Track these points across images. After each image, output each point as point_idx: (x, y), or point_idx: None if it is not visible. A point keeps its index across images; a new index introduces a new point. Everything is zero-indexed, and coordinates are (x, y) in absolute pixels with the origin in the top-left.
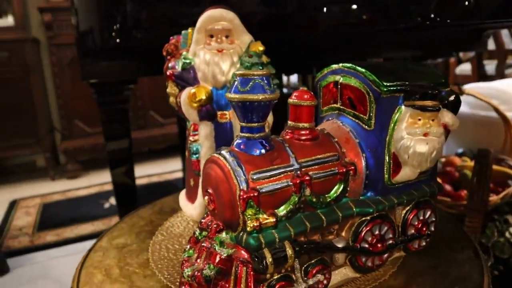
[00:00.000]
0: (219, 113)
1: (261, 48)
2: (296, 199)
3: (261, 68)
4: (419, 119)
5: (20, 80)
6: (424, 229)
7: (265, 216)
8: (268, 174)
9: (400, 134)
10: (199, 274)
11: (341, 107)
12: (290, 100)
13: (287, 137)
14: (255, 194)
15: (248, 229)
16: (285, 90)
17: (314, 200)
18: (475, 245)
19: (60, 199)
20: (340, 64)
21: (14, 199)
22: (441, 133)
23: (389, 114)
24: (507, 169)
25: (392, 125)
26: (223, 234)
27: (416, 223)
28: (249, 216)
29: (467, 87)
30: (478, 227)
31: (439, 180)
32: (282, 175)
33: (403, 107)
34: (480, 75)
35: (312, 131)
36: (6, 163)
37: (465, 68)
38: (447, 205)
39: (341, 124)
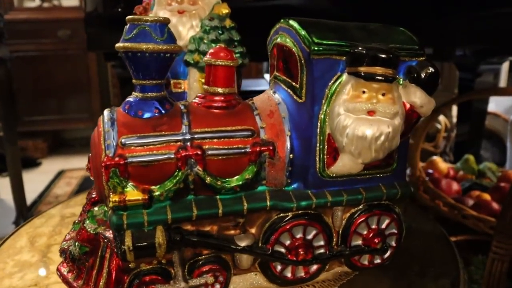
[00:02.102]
0: (172, 81)
1: (225, 10)
2: (181, 176)
3: (220, 33)
4: (363, 92)
5: (79, 57)
6: (377, 241)
7: (134, 191)
8: (144, 141)
9: (337, 110)
10: (67, 249)
11: (277, 73)
12: (205, 59)
13: (196, 102)
14: (121, 162)
15: (110, 204)
16: None
17: (208, 181)
18: (459, 274)
19: None
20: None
21: (62, 169)
22: (394, 113)
23: (325, 83)
24: None
25: (328, 97)
26: (96, 208)
27: (365, 232)
28: (112, 188)
29: None
30: (507, 255)
31: (487, 196)
32: (163, 145)
33: (344, 74)
34: None
35: (228, 98)
36: (63, 135)
37: None
38: (490, 226)
39: (272, 94)
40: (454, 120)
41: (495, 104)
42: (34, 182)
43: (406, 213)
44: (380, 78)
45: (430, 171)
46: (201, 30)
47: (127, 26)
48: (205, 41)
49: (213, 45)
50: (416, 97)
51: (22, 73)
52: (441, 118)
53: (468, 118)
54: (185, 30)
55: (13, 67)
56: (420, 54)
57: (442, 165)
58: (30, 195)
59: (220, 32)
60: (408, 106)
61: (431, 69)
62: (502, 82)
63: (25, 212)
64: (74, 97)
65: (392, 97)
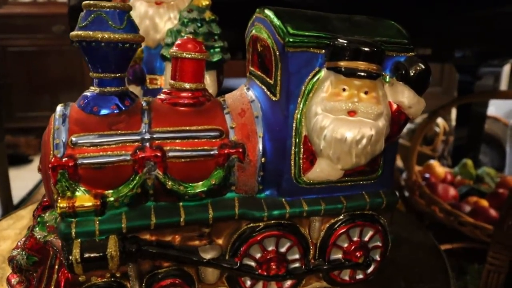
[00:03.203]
0: (148, 77)
1: (205, 2)
2: (138, 180)
3: (199, 25)
4: (344, 90)
5: (73, 52)
6: (359, 255)
7: (84, 196)
8: (97, 140)
9: (314, 109)
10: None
11: (251, 68)
12: (171, 51)
13: (161, 99)
14: (70, 164)
15: (57, 210)
16: None
17: (169, 186)
18: None
19: None
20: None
21: None
22: (377, 113)
23: (302, 79)
24: None
25: (305, 95)
26: (47, 214)
27: (346, 245)
28: (60, 192)
29: None
30: (504, 266)
31: (485, 202)
32: (119, 145)
33: (323, 70)
34: None
35: (196, 95)
36: None
37: None
38: (487, 234)
39: (245, 91)
40: (453, 123)
41: (495, 108)
42: (24, 179)
43: (394, 221)
44: (362, 74)
45: (427, 175)
46: (179, 22)
47: (83, 13)
48: (183, 34)
49: None
50: (404, 96)
51: (16, 68)
52: (440, 121)
53: (467, 122)
54: (162, 23)
55: (7, 62)
56: (409, 49)
57: (440, 169)
58: (20, 193)
59: (199, 24)
60: (395, 106)
61: (421, 66)
62: (503, 85)
63: (11, 210)
64: (68, 93)
65: (376, 95)
